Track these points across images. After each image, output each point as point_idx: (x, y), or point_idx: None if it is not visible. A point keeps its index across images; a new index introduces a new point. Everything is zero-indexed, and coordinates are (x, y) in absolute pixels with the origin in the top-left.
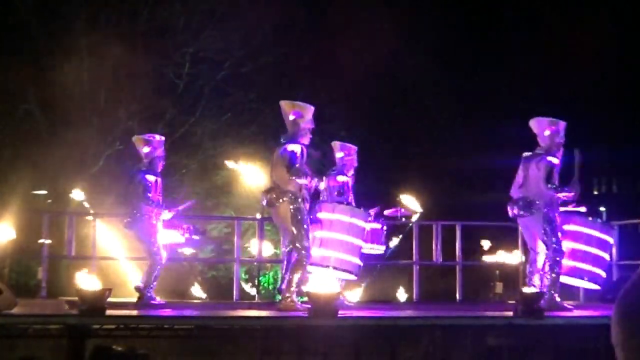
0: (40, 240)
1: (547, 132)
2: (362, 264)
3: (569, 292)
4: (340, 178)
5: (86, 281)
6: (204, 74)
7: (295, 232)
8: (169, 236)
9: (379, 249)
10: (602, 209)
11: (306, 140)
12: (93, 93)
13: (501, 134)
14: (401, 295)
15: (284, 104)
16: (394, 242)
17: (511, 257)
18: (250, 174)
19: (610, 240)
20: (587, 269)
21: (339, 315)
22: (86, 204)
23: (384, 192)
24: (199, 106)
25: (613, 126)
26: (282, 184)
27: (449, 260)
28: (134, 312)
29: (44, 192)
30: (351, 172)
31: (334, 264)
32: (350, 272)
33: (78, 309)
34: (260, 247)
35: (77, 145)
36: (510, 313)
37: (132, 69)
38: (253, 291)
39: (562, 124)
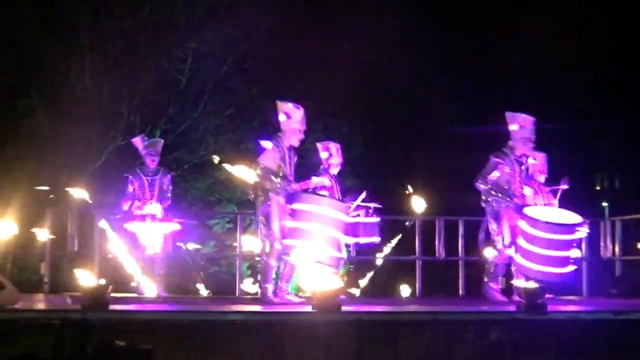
0: (36, 232)
1: (515, 127)
2: (343, 256)
3: (571, 287)
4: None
5: (86, 277)
6: (206, 69)
7: (265, 227)
8: (168, 227)
9: (376, 240)
10: (604, 204)
11: (295, 140)
12: (95, 88)
13: (505, 130)
14: (404, 290)
15: (277, 104)
16: (394, 240)
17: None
18: (243, 172)
19: (566, 237)
20: (536, 269)
21: (342, 310)
22: (89, 200)
23: (386, 187)
24: (201, 101)
25: (616, 121)
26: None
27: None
28: (137, 307)
29: (46, 187)
30: (336, 170)
31: (315, 257)
32: (330, 265)
33: (81, 304)
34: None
35: (79, 140)
36: (513, 308)
37: (134, 64)
38: (254, 288)
39: (530, 120)
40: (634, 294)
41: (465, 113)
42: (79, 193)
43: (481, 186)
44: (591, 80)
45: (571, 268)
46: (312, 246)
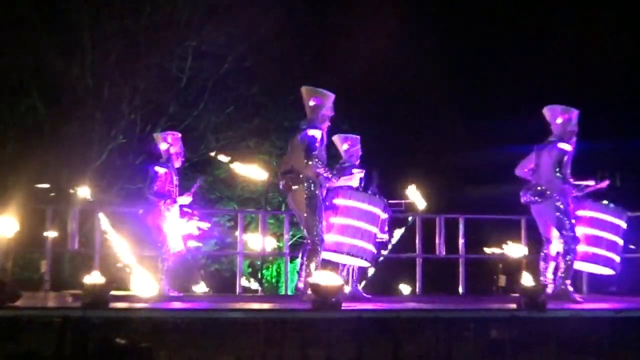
0: (45, 234)
1: (559, 120)
2: (376, 251)
3: (572, 284)
4: (357, 171)
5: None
6: (207, 68)
7: (308, 218)
8: (186, 227)
9: (384, 237)
10: (604, 202)
11: (324, 127)
12: (96, 87)
13: (504, 128)
14: (404, 288)
15: (304, 91)
16: (396, 235)
17: (514, 250)
18: (246, 170)
19: (623, 224)
20: (601, 254)
21: (342, 308)
22: (90, 198)
23: (387, 184)
24: (202, 100)
25: (616, 118)
26: (299, 169)
27: (452, 253)
28: (137, 305)
29: (47, 185)
30: (357, 162)
31: (348, 250)
32: (365, 259)
33: (81, 302)
34: (264, 240)
35: (80, 139)
36: (514, 306)
37: (135, 63)
38: (254, 286)
39: (575, 112)
40: (634, 292)
41: (465, 112)
42: (80, 192)
43: (562, 182)
44: (591, 76)
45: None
46: (349, 240)
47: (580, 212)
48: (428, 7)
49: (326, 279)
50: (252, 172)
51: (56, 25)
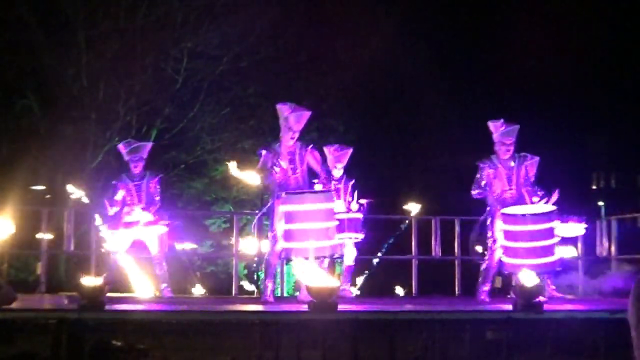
0: (39, 235)
1: (494, 135)
2: (340, 241)
3: (567, 286)
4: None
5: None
6: (202, 69)
7: (270, 226)
8: (154, 231)
9: (359, 237)
10: (600, 203)
11: (286, 140)
12: (91, 88)
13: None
14: (400, 289)
15: None
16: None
17: None
18: (249, 177)
19: (541, 227)
20: (523, 263)
21: (338, 309)
22: (85, 200)
23: (382, 187)
24: (197, 101)
25: (612, 121)
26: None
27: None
28: (133, 307)
29: (42, 187)
30: (337, 172)
31: (314, 254)
32: (331, 255)
33: (77, 304)
34: (260, 242)
35: (75, 140)
36: (509, 307)
37: (130, 64)
38: (250, 287)
39: (507, 127)
40: (629, 293)
41: (462, 113)
42: (75, 193)
43: (473, 192)
44: (588, 79)
45: (556, 256)
46: (307, 245)
47: (499, 224)
48: (425, 11)
49: (322, 280)
50: (249, 177)
51: (52, 26)
